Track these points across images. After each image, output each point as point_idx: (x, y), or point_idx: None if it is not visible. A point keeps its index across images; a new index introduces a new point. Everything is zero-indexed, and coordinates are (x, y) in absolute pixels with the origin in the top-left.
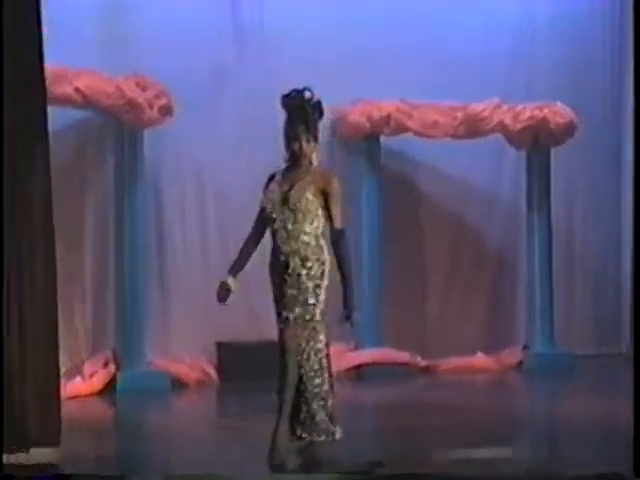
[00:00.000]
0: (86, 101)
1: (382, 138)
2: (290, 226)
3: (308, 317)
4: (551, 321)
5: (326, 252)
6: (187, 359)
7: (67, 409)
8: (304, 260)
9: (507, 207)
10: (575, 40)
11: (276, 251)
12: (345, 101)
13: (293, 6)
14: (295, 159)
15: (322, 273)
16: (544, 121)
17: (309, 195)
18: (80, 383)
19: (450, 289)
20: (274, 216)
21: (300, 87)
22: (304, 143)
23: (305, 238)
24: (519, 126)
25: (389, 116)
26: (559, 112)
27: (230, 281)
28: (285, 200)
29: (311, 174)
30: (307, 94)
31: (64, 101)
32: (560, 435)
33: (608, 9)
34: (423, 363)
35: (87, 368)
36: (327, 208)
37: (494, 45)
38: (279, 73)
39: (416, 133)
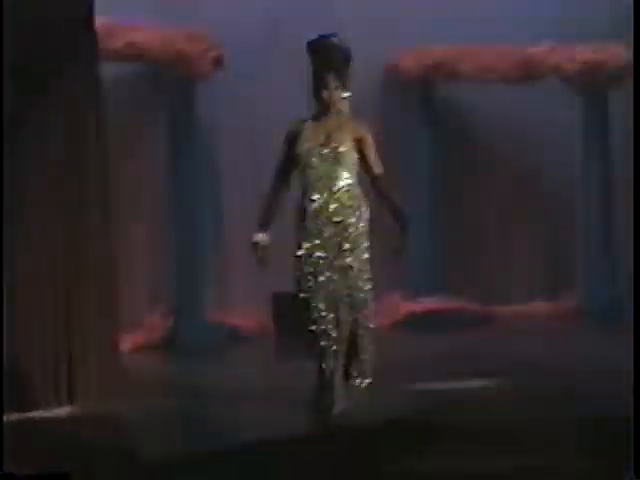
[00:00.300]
0: (137, 55)
1: (436, 87)
2: (330, 174)
3: (354, 264)
4: (609, 265)
5: (363, 201)
6: (244, 310)
7: (127, 362)
8: (344, 207)
9: (564, 153)
10: None
11: (311, 200)
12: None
13: None
14: (324, 108)
15: (361, 220)
16: (600, 62)
17: (347, 144)
18: (139, 336)
19: (508, 236)
20: (313, 164)
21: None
22: (334, 91)
23: (345, 186)
24: (575, 68)
25: (442, 61)
26: (616, 53)
27: (261, 238)
28: (323, 148)
29: (345, 123)
30: (335, 40)
31: (115, 56)
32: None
33: None
34: (481, 311)
35: (146, 321)
36: (363, 157)
37: None
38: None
39: (470, 77)
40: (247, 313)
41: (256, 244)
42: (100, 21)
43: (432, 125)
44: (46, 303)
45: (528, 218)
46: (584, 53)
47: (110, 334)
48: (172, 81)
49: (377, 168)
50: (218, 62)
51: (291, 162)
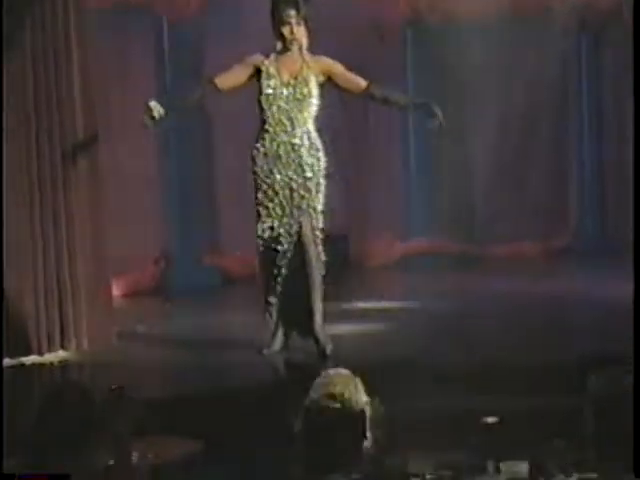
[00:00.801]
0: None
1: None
2: (294, 115)
3: (318, 207)
4: (601, 206)
5: (319, 141)
6: (238, 255)
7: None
8: (310, 149)
9: (555, 91)
10: None
11: (273, 140)
12: None
13: None
14: (286, 45)
15: (322, 164)
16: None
17: (313, 83)
18: (130, 282)
19: (498, 176)
20: (280, 104)
21: None
22: (295, 26)
23: (310, 127)
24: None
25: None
26: None
27: (154, 104)
28: (287, 89)
29: (307, 61)
30: None
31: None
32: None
33: None
34: (472, 251)
35: (137, 267)
36: (341, 83)
37: None
38: None
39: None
40: (240, 257)
41: (148, 107)
42: None
43: (425, 64)
44: (36, 246)
45: (519, 157)
46: None
47: (102, 278)
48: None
49: (361, 81)
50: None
51: (242, 76)
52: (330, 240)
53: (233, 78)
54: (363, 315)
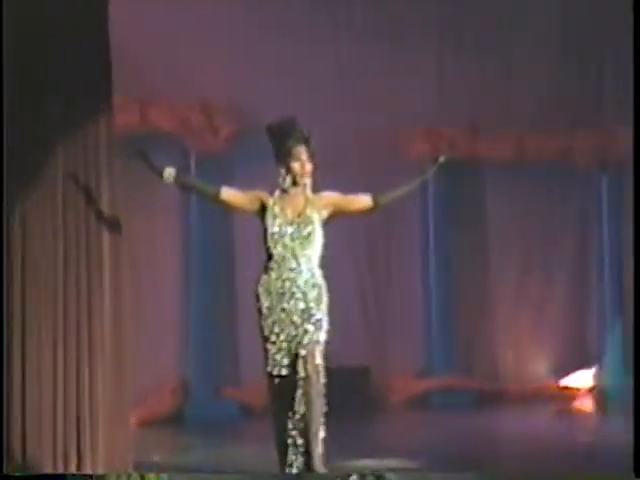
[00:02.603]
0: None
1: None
2: (299, 252)
3: (321, 342)
4: (623, 345)
5: (322, 279)
6: (257, 386)
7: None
8: (314, 286)
9: (577, 230)
10: None
11: (278, 276)
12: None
13: None
14: (295, 180)
15: (324, 300)
16: (610, 145)
17: (317, 220)
18: (147, 410)
19: (519, 314)
20: (285, 242)
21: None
22: (306, 163)
23: (314, 264)
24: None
25: (453, 143)
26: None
27: (169, 171)
28: (291, 227)
29: (310, 199)
30: (297, 117)
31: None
32: None
33: None
34: (491, 389)
35: (155, 395)
36: (347, 209)
37: None
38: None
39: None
40: (258, 389)
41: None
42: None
43: (446, 203)
44: (56, 369)
45: (540, 296)
46: (593, 136)
47: (122, 405)
48: (185, 155)
49: (366, 198)
50: (230, 138)
51: (246, 204)
52: (351, 374)
53: (238, 199)
54: None
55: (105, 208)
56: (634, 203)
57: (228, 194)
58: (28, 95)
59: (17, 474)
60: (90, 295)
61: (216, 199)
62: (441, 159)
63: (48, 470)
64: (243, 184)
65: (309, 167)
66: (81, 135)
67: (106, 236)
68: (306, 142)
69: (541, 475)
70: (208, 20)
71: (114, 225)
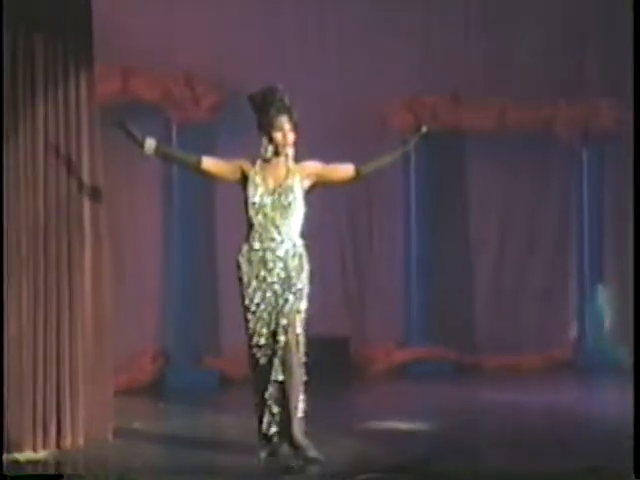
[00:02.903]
0: (132, 98)
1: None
2: (280, 222)
3: (302, 311)
4: (602, 316)
5: (303, 248)
6: (237, 356)
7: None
8: (294, 255)
9: (557, 198)
10: None
11: (260, 245)
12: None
13: None
14: (277, 150)
15: (305, 269)
16: (593, 117)
17: (299, 190)
18: (128, 378)
19: (500, 285)
20: (266, 211)
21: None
22: (288, 133)
23: (296, 234)
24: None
25: (435, 112)
26: (607, 108)
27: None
28: (272, 196)
29: (292, 169)
30: (280, 86)
31: (110, 98)
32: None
33: None
34: (469, 360)
35: (135, 363)
36: (329, 178)
37: None
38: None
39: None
40: (238, 359)
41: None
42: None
43: (427, 174)
44: (36, 336)
45: (520, 267)
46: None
47: (103, 373)
48: (166, 125)
49: (348, 167)
50: (213, 108)
51: (228, 174)
52: (331, 344)
53: (219, 168)
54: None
55: (86, 176)
56: (634, 173)
57: (209, 163)
58: (12, 63)
59: (17, 474)
60: (70, 265)
61: (197, 168)
62: (423, 129)
63: (28, 439)
64: (225, 154)
65: (291, 137)
66: (62, 103)
67: (87, 204)
68: (288, 112)
69: (541, 475)
70: None
71: (95, 193)
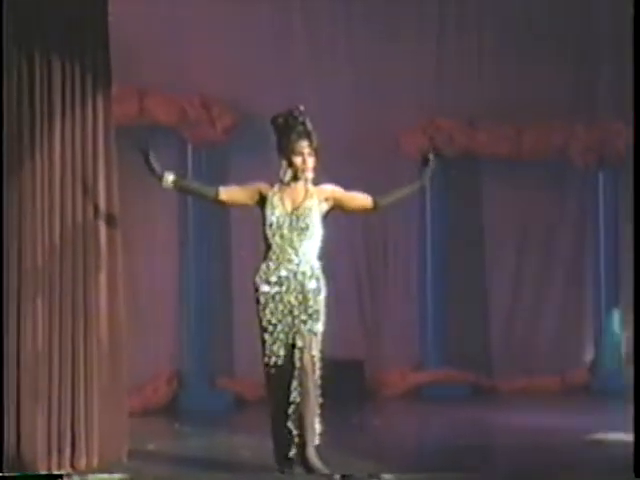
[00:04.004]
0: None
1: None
2: (297, 244)
3: (318, 333)
4: (618, 340)
5: (320, 270)
6: (252, 378)
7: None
8: (312, 277)
9: (574, 224)
10: None
11: (277, 267)
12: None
13: None
14: (296, 175)
15: (322, 291)
16: (608, 141)
17: (316, 212)
18: (142, 400)
19: (515, 309)
20: (283, 232)
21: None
22: (307, 157)
23: (313, 256)
24: (582, 146)
25: (451, 136)
26: (621, 132)
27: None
28: (290, 218)
29: (310, 191)
30: (302, 109)
31: (127, 119)
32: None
33: None
34: (487, 383)
35: (150, 385)
36: (346, 206)
37: None
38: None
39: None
40: (252, 381)
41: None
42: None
43: (443, 197)
44: (52, 357)
45: (537, 290)
46: (591, 132)
47: (117, 394)
48: (182, 146)
49: (367, 198)
50: (228, 129)
51: (247, 199)
52: (345, 367)
53: (237, 196)
54: None
55: (102, 196)
56: (634, 201)
57: (227, 193)
58: (28, 83)
59: (16, 474)
60: (85, 286)
61: (215, 200)
62: (430, 157)
63: (42, 459)
64: (240, 175)
65: (311, 162)
66: (80, 124)
67: (102, 224)
68: (309, 137)
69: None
70: (207, 11)
71: (110, 213)
